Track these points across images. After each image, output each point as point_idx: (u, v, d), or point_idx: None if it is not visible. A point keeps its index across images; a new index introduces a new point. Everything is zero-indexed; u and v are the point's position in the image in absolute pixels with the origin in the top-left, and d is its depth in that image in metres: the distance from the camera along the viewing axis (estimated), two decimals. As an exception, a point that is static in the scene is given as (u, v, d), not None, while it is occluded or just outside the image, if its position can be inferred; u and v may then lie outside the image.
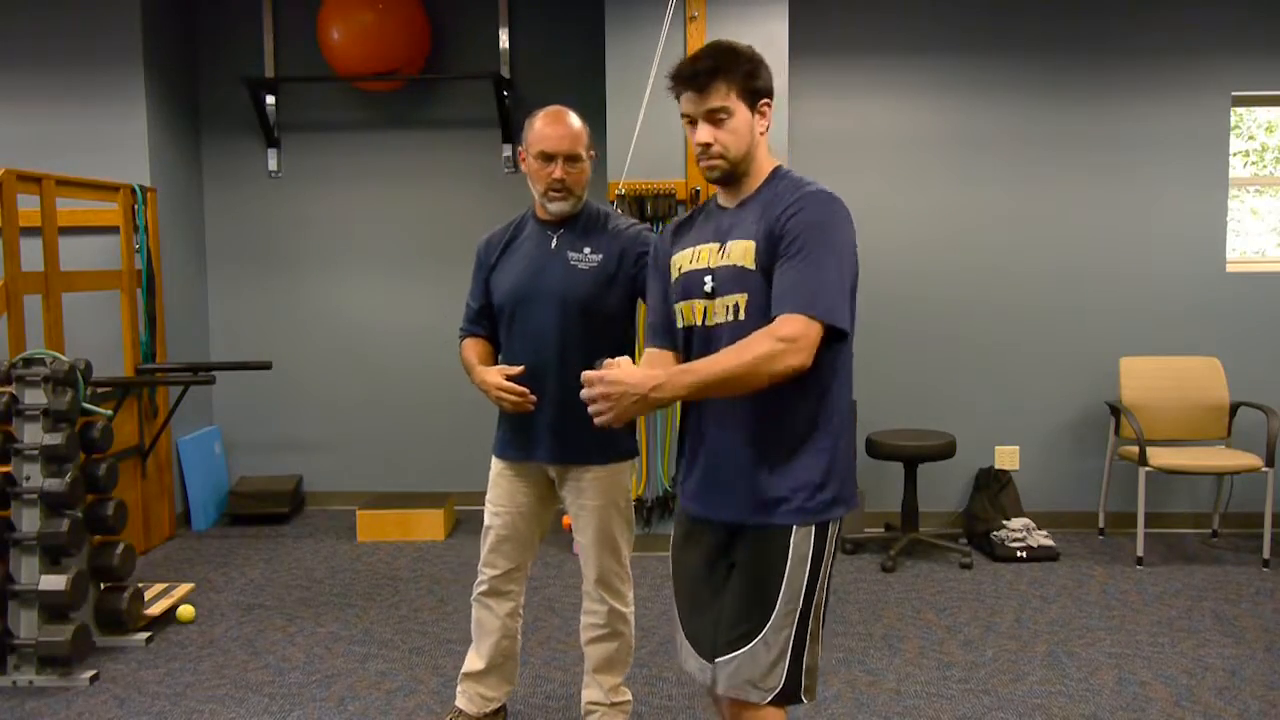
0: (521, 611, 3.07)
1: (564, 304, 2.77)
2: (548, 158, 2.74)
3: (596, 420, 1.92)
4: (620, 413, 1.91)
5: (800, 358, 1.92)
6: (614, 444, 2.84)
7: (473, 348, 2.93)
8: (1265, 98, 5.32)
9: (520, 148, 2.85)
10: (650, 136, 4.68)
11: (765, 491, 2.05)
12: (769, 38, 4.70)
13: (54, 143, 5.22)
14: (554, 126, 2.75)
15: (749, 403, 2.02)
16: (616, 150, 4.77)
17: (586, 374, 1.93)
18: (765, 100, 2.09)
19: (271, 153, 5.75)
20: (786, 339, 1.91)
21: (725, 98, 2.03)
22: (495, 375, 2.74)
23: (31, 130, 5.26)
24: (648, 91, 4.54)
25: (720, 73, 2.02)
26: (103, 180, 4.88)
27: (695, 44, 4.70)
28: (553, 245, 2.83)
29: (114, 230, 5.02)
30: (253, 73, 5.61)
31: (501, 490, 2.94)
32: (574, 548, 2.98)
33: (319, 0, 5.38)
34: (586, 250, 2.80)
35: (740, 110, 2.05)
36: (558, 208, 2.79)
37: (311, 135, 5.77)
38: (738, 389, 1.93)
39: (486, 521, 2.97)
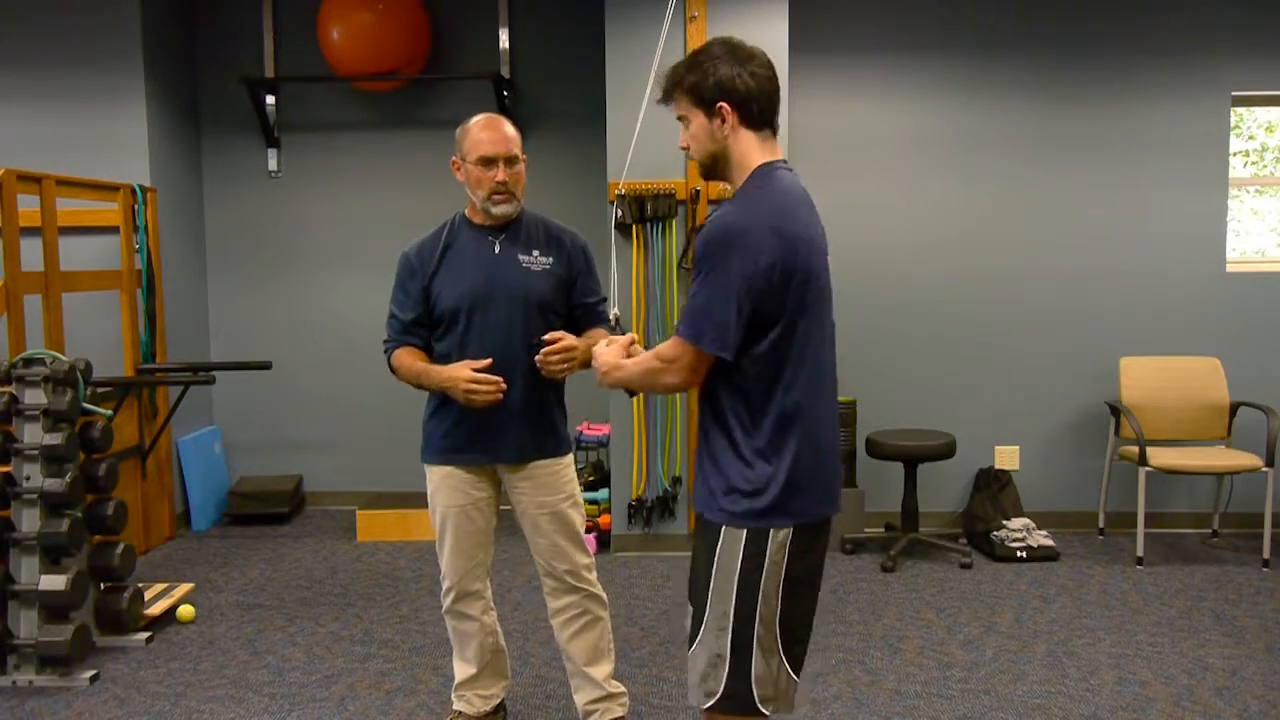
0: (493, 605, 3.07)
1: (526, 303, 2.81)
2: (488, 162, 2.76)
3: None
4: (600, 377, 2.22)
5: (678, 377, 2.08)
6: (563, 434, 2.95)
7: (412, 354, 2.88)
8: (1265, 98, 5.32)
9: (454, 158, 2.85)
10: (650, 136, 4.68)
11: (705, 487, 2.12)
12: (769, 38, 4.69)
13: (54, 143, 5.22)
14: (490, 131, 2.78)
15: (702, 404, 2.14)
16: (616, 150, 4.77)
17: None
18: (720, 103, 2.09)
19: (271, 153, 5.75)
20: (664, 359, 2.09)
21: (681, 106, 2.15)
22: (464, 369, 2.74)
23: (31, 130, 5.26)
24: (648, 91, 4.55)
25: (673, 83, 2.15)
26: (103, 180, 4.88)
27: (695, 44, 4.69)
28: (496, 250, 2.85)
29: (114, 230, 5.02)
30: (253, 73, 5.61)
31: (451, 489, 2.91)
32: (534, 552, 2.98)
33: (319, 0, 5.38)
34: (535, 253, 2.85)
35: (695, 116, 2.13)
36: (502, 210, 2.81)
37: (311, 135, 5.77)
38: (650, 392, 2.11)
39: (439, 526, 2.94)
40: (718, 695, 2.07)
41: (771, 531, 2.05)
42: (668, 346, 2.09)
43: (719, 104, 2.09)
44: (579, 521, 2.95)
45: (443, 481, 2.92)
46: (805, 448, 2.06)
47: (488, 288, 2.81)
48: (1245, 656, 3.68)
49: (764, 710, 2.08)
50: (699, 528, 2.15)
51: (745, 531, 2.05)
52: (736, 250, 2.00)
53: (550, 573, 2.93)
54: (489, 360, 2.75)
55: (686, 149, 2.19)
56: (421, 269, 2.89)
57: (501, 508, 3.01)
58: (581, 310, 2.93)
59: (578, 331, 2.86)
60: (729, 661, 2.06)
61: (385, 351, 2.96)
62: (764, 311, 2.01)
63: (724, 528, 2.06)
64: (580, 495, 3.00)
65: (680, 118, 2.16)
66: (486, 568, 3.02)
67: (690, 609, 2.14)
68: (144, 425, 5.10)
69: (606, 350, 2.23)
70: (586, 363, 2.63)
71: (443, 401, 2.86)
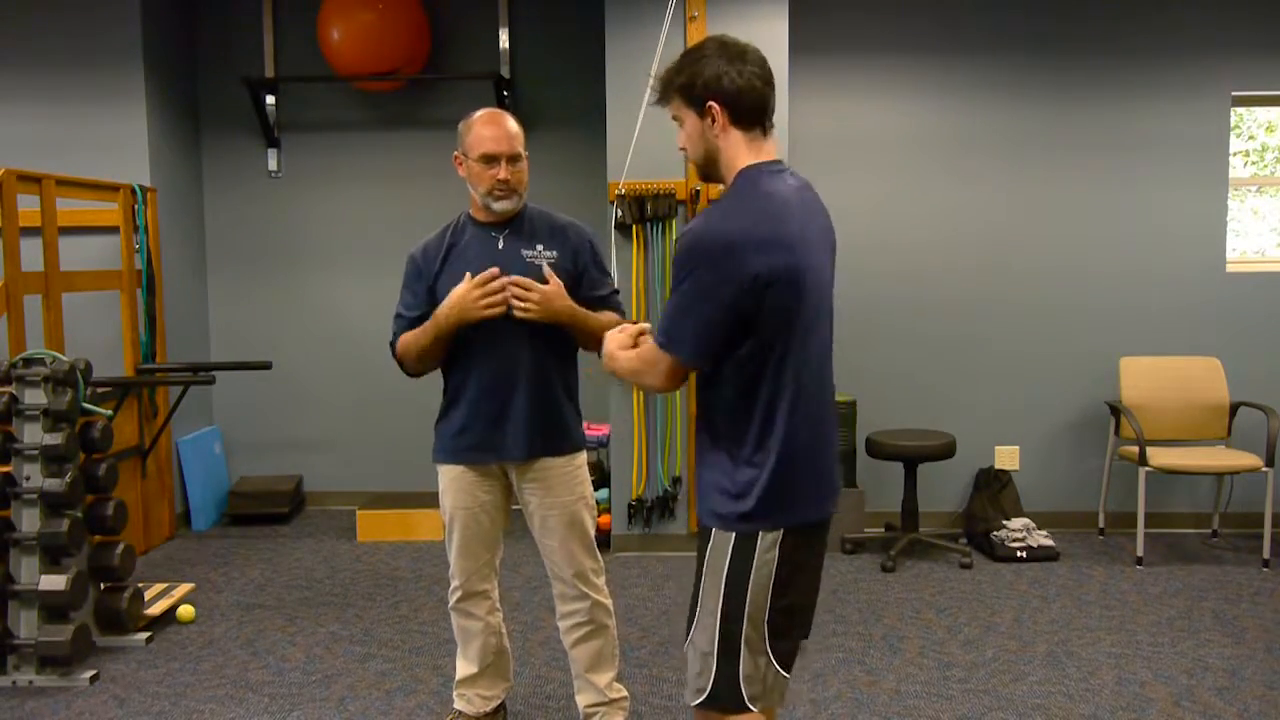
0: (500, 606, 3.06)
1: None
2: (491, 160, 2.75)
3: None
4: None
5: (657, 381, 2.10)
6: (575, 433, 2.91)
7: (411, 333, 2.85)
8: (1265, 98, 5.32)
9: (456, 153, 2.83)
10: (650, 136, 4.68)
11: (700, 491, 2.13)
12: (769, 38, 4.69)
13: (54, 143, 5.22)
14: (494, 128, 2.76)
15: (698, 407, 2.15)
16: (616, 150, 4.77)
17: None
18: (710, 103, 2.07)
19: (271, 153, 5.75)
20: (645, 361, 2.12)
21: (676, 107, 2.14)
22: (461, 285, 2.70)
23: (31, 130, 5.26)
24: (647, 91, 4.54)
25: (667, 84, 2.14)
26: (103, 180, 4.88)
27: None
28: (500, 245, 2.83)
29: (114, 230, 5.02)
30: (253, 73, 5.61)
31: (460, 490, 2.90)
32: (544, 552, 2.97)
33: (319, 0, 5.38)
34: (539, 247, 2.83)
35: (688, 116, 2.11)
36: (502, 206, 2.80)
37: (311, 135, 5.77)
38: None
39: (448, 525, 2.94)
40: (707, 692, 2.09)
41: (760, 534, 2.05)
42: (647, 350, 2.11)
43: (709, 103, 2.07)
44: (589, 523, 2.93)
45: (452, 482, 2.92)
46: (791, 451, 2.04)
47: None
48: (1245, 656, 3.68)
49: (752, 707, 2.09)
50: (699, 532, 2.16)
51: (733, 535, 2.06)
52: (708, 259, 1.97)
53: (558, 576, 2.92)
54: (496, 270, 2.71)
55: (684, 150, 2.19)
56: (426, 269, 2.88)
57: (513, 507, 3.00)
58: (592, 304, 2.87)
59: None
60: (717, 660, 2.08)
61: (391, 347, 2.93)
62: (740, 320, 1.98)
63: (714, 530, 2.08)
64: (593, 497, 2.97)
65: (675, 118, 2.15)
66: (494, 569, 3.01)
67: (688, 609, 2.17)
68: (144, 425, 5.10)
69: (614, 336, 2.23)
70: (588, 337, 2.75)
71: (451, 403, 2.86)
